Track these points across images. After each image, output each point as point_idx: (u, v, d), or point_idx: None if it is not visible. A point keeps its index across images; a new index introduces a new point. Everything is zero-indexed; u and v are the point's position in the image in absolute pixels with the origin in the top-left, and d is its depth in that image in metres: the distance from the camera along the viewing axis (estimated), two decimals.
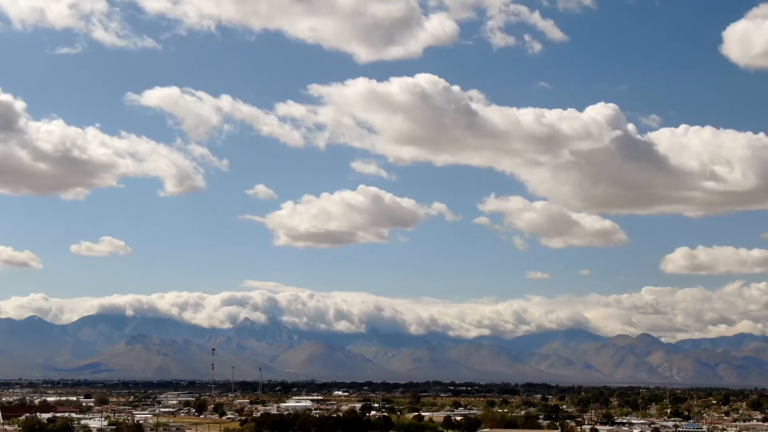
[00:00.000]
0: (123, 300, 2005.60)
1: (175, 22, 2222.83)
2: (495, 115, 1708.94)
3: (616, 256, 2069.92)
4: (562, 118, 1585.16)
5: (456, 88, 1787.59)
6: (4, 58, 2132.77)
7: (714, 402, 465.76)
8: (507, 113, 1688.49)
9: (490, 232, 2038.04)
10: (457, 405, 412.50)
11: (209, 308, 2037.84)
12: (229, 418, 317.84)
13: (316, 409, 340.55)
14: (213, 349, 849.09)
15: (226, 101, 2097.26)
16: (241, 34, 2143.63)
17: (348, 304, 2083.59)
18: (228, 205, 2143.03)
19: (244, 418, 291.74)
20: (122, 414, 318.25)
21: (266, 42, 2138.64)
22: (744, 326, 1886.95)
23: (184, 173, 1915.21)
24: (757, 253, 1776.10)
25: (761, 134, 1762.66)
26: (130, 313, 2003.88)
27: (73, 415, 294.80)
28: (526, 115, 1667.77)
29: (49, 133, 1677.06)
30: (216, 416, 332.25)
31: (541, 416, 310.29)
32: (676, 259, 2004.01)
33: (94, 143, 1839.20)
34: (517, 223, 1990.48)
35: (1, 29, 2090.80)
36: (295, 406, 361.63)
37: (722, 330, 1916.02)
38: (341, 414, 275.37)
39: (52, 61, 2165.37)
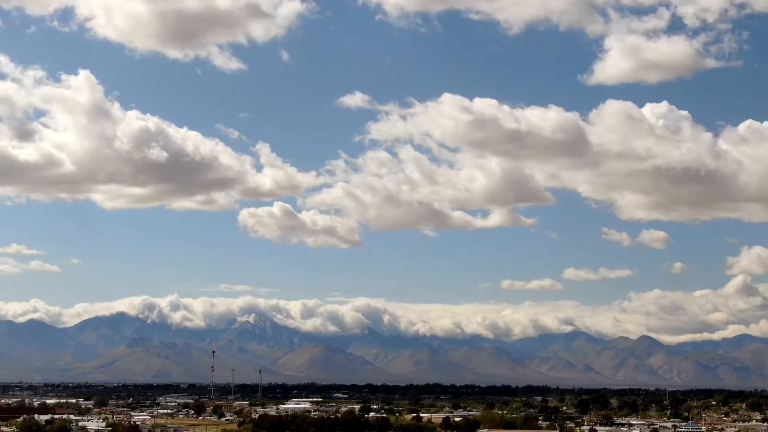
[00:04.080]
0: (124, 303, 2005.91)
1: None
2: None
3: (616, 257, 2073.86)
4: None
5: None
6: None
7: (714, 403, 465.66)
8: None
9: (490, 236, 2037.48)
10: (456, 407, 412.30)
11: (210, 311, 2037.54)
12: (227, 419, 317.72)
13: (315, 411, 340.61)
14: (213, 352, 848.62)
15: None
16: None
17: (349, 306, 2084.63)
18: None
19: (242, 419, 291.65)
20: (120, 416, 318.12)
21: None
22: (744, 328, 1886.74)
23: None
24: (757, 253, 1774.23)
25: None
26: (131, 315, 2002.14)
27: (72, 417, 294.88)
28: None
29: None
30: (215, 418, 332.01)
31: (541, 417, 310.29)
32: (678, 260, 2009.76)
33: None
34: (515, 225, 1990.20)
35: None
36: (294, 408, 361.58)
37: (722, 332, 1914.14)
38: (339, 415, 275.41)
39: None
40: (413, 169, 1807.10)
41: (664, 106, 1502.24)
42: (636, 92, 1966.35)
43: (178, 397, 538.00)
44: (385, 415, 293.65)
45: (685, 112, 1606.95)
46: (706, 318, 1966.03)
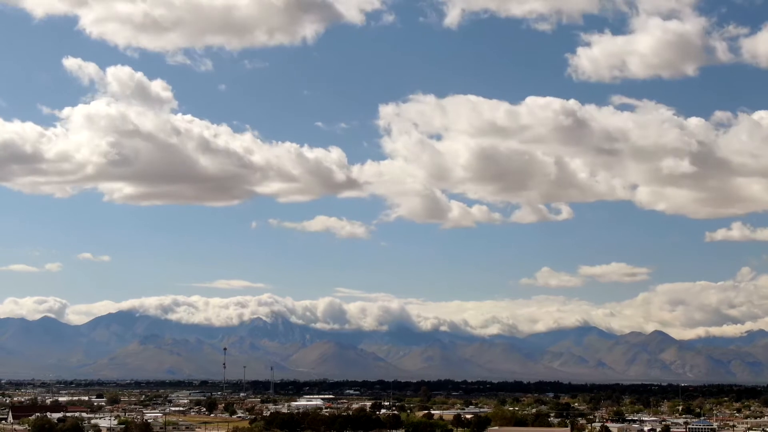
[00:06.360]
0: (136, 300, 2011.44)
1: None
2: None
3: (630, 253, 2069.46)
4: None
5: None
6: None
7: (726, 399, 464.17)
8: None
9: (503, 232, 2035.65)
10: (468, 403, 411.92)
11: (221, 308, 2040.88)
12: (239, 417, 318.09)
13: (326, 408, 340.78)
14: (225, 349, 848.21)
15: None
16: None
17: (360, 302, 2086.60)
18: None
19: (253, 416, 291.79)
20: (133, 413, 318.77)
21: None
22: (757, 323, 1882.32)
23: None
24: None
25: None
26: (143, 313, 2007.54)
27: (84, 414, 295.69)
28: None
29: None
30: (226, 415, 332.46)
31: (552, 414, 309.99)
32: (692, 256, 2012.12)
33: None
34: (526, 222, 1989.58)
35: None
36: (306, 404, 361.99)
37: (735, 327, 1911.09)
38: (351, 412, 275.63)
39: None
40: (426, 165, 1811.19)
41: (679, 99, 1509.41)
42: (647, 86, 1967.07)
43: (190, 394, 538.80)
44: (396, 412, 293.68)
45: (706, 106, 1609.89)
46: (719, 313, 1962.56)
